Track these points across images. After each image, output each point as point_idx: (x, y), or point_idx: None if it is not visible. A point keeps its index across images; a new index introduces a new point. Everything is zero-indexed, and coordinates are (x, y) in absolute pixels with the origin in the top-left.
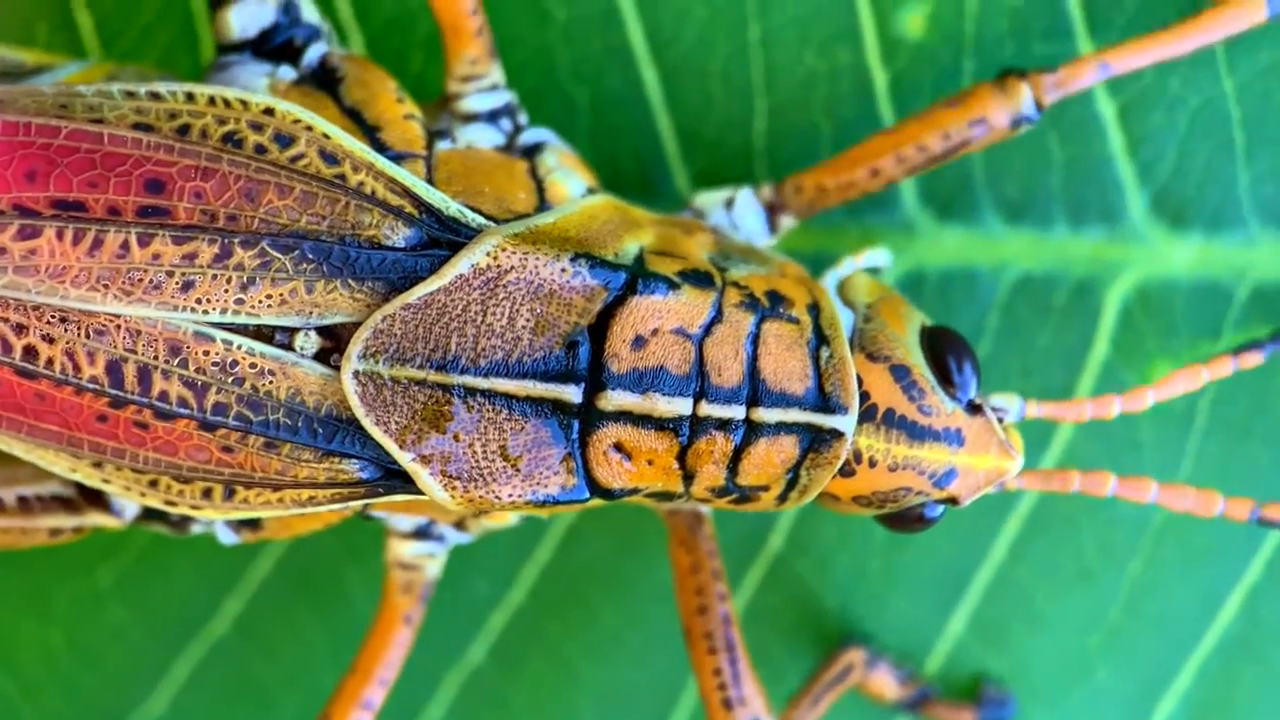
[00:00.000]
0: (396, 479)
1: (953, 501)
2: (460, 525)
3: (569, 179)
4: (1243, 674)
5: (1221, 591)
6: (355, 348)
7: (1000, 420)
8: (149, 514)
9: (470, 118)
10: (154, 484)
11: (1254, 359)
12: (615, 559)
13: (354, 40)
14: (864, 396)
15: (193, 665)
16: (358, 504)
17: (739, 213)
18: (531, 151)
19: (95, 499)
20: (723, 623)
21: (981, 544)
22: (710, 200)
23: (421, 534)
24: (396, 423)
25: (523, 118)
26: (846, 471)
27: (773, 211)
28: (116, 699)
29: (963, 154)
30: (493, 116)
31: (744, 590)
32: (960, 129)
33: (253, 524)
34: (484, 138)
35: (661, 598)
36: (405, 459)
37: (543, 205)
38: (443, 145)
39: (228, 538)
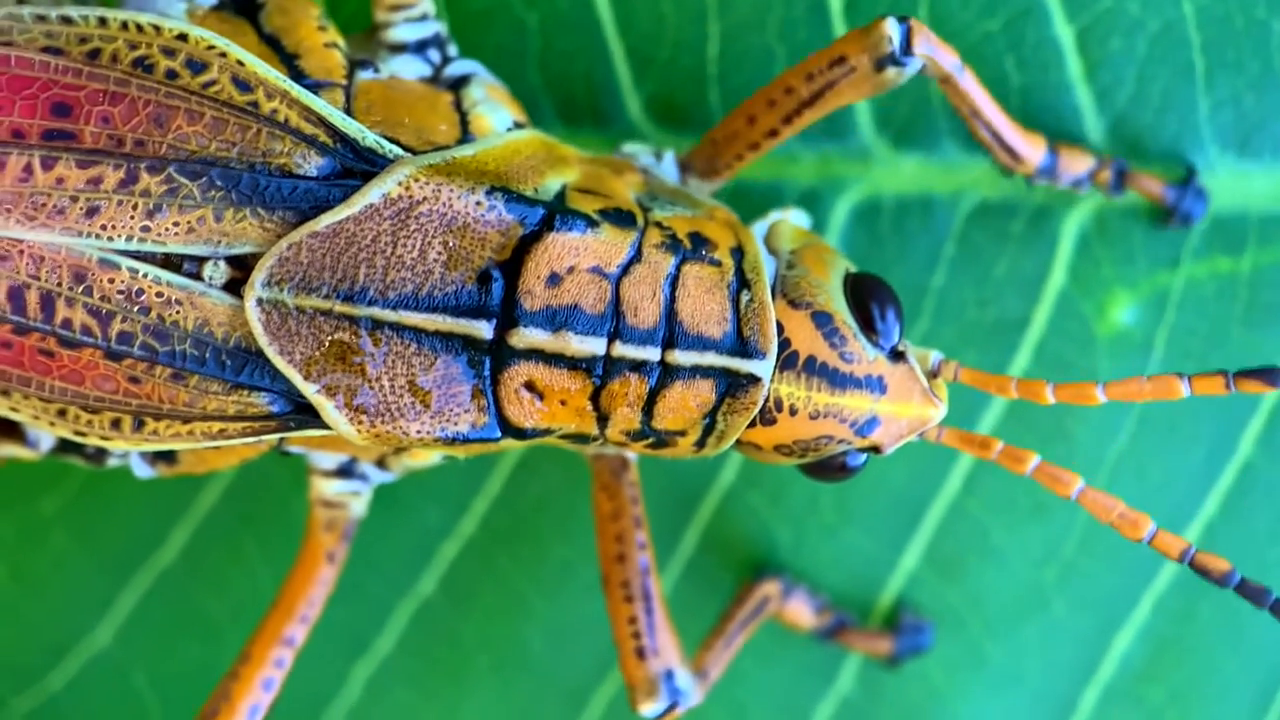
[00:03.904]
0: (307, 413)
1: (875, 450)
2: (382, 464)
3: (495, 113)
4: (1200, 609)
5: (1179, 525)
6: (259, 275)
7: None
8: (65, 445)
9: (398, 48)
10: (62, 413)
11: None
12: (566, 492)
13: None
14: (785, 343)
15: (139, 596)
16: (270, 438)
17: (665, 166)
18: (458, 84)
19: (9, 430)
20: (640, 572)
21: (935, 477)
22: (638, 149)
23: (344, 472)
24: (302, 353)
25: (451, 49)
26: (767, 419)
27: (684, 171)
28: (61, 629)
29: (834, 100)
30: (420, 47)
31: (696, 524)
32: (822, 69)
33: (168, 457)
34: (409, 69)
35: None
36: (310, 390)
37: (465, 138)
38: (364, 75)
39: (143, 471)
